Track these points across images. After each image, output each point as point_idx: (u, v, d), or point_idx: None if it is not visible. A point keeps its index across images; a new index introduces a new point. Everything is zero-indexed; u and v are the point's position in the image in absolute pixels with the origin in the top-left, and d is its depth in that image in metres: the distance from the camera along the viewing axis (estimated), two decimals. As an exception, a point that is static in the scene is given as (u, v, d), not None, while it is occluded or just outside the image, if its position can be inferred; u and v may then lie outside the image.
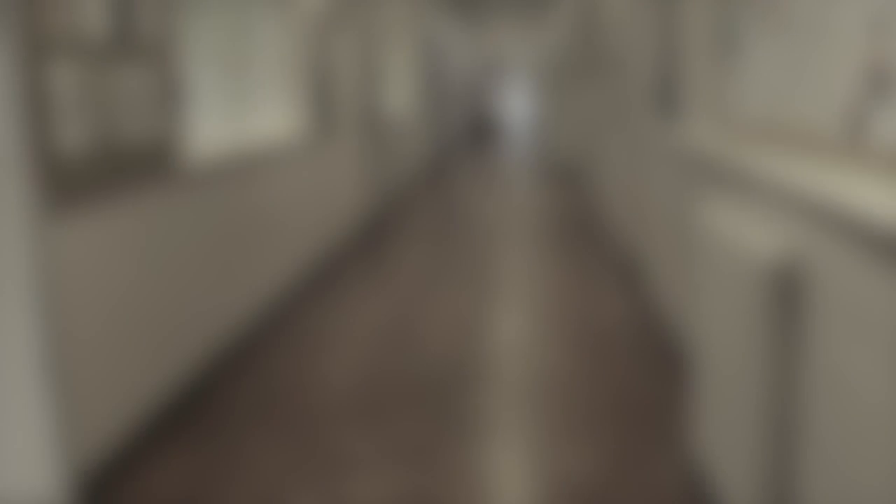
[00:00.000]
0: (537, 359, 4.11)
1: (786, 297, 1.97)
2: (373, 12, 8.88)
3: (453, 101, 18.82)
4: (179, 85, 3.66)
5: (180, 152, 3.65)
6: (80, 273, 2.79)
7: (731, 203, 2.55)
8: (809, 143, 2.16)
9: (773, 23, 2.40)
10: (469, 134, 25.59)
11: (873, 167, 1.81)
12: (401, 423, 3.38)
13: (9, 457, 2.64)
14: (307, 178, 6.06)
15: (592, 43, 9.16)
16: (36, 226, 2.51)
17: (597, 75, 9.01)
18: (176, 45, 3.65)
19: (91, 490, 2.83)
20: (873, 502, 1.52)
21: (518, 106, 27.73)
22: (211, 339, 4.04)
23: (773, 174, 2.09)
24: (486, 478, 2.87)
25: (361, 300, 5.51)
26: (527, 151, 19.29)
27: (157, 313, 3.43)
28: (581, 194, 10.58)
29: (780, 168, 2.11)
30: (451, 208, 9.91)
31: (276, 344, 4.54)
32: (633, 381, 3.65)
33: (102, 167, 2.94)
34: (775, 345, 1.98)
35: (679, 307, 3.70)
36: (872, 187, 1.67)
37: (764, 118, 2.49)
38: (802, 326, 1.92)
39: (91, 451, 2.84)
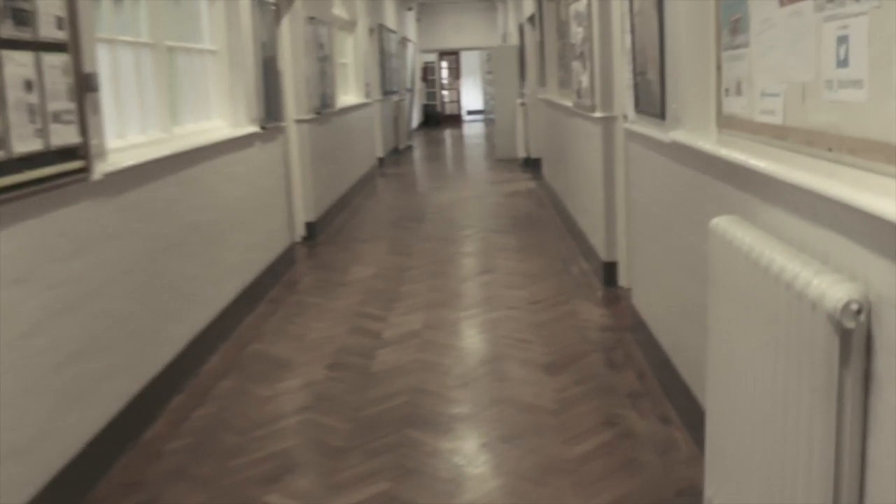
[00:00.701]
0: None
1: (856, 349, 1.50)
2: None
3: (410, 89, 18.21)
4: (89, 77, 3.08)
5: (92, 154, 3.07)
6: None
7: (768, 219, 2.08)
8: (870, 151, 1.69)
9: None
10: (426, 121, 25.00)
11: None
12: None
13: None
14: (248, 178, 5.48)
15: (556, 31, 8.67)
16: None
17: (561, 65, 8.54)
18: (86, 30, 3.06)
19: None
20: None
21: (475, 93, 27.18)
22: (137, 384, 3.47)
23: (831, 188, 1.61)
24: None
25: (315, 317, 4.96)
26: (485, 140, 18.80)
27: (63, 361, 2.86)
28: (541, 188, 10.13)
29: (837, 181, 1.65)
30: (408, 209, 9.37)
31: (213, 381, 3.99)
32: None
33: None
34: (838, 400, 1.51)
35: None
36: None
37: (797, 116, 2.02)
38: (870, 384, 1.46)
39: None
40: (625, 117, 4.78)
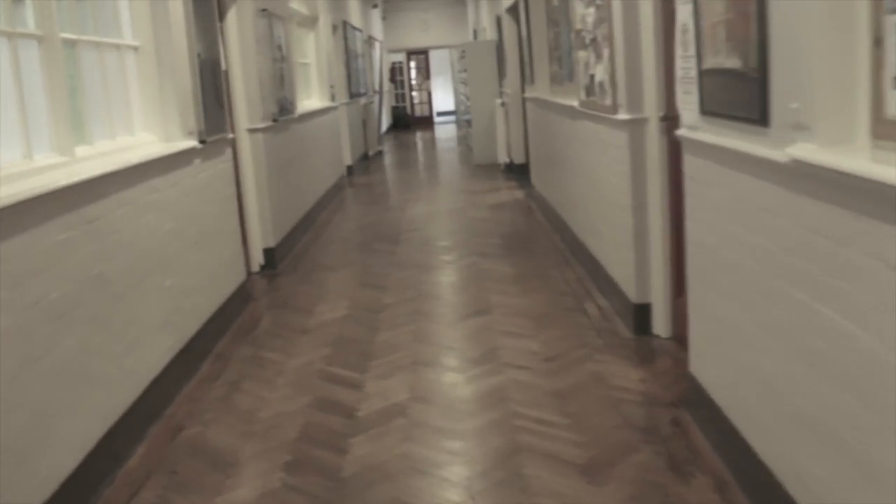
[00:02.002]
0: None
1: None
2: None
3: (378, 91, 17.11)
4: None
5: None
6: None
7: None
8: None
9: None
10: (395, 124, 23.91)
11: None
12: None
13: None
14: (183, 205, 4.38)
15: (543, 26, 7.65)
16: None
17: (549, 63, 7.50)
18: None
19: None
20: None
21: (445, 93, 26.15)
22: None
23: None
24: None
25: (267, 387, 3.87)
26: (459, 142, 17.74)
27: None
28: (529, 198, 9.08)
29: None
30: (381, 227, 8.28)
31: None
32: None
33: None
34: None
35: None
36: None
37: None
38: None
39: None
40: (663, 119, 3.74)
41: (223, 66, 5.73)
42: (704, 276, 2.87)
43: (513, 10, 10.45)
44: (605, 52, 4.43)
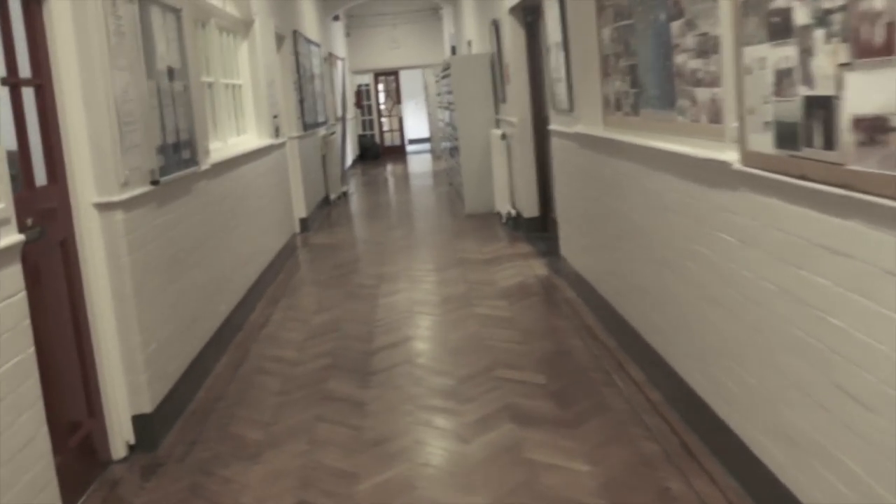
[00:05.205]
0: None
1: None
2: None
3: (341, 118, 14.29)
4: None
5: None
6: None
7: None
8: None
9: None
10: (363, 155, 21.04)
11: None
12: None
13: None
14: None
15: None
16: None
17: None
18: None
19: None
20: None
21: (418, 119, 23.47)
22: None
23: None
24: None
25: None
26: (436, 178, 14.91)
27: None
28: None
29: None
30: (342, 341, 5.36)
31: None
32: None
33: None
34: None
35: None
36: None
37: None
38: None
39: None
40: None
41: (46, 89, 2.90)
42: None
43: (523, 10, 7.66)
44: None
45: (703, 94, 3.25)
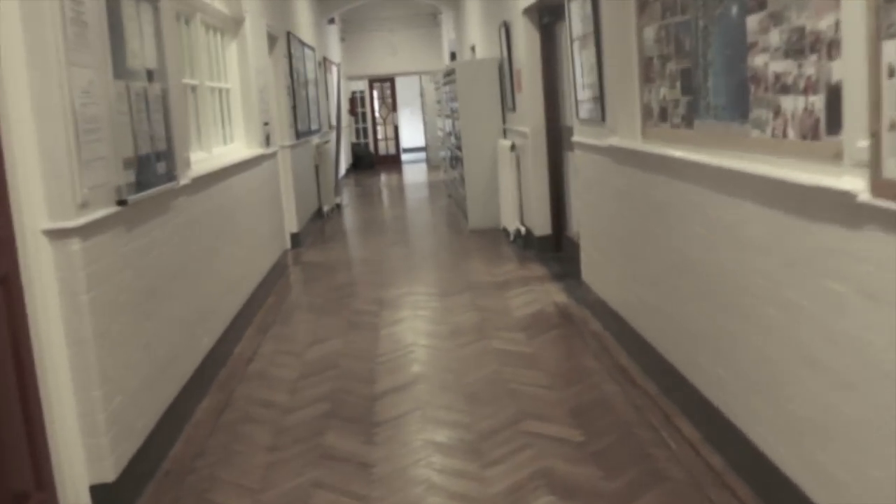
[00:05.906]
0: None
1: None
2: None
3: (335, 126, 13.66)
4: None
5: None
6: None
7: None
8: None
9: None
10: (356, 164, 20.40)
11: None
12: None
13: None
14: None
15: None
16: None
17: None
18: None
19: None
20: None
21: (413, 127, 22.92)
22: None
23: None
24: None
25: None
26: (432, 189, 14.28)
27: None
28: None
29: None
30: (339, 394, 4.70)
31: None
32: None
33: None
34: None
35: None
36: None
37: None
38: None
39: None
40: None
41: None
42: None
43: (539, 11, 7.06)
44: None
45: (792, 103, 2.65)
